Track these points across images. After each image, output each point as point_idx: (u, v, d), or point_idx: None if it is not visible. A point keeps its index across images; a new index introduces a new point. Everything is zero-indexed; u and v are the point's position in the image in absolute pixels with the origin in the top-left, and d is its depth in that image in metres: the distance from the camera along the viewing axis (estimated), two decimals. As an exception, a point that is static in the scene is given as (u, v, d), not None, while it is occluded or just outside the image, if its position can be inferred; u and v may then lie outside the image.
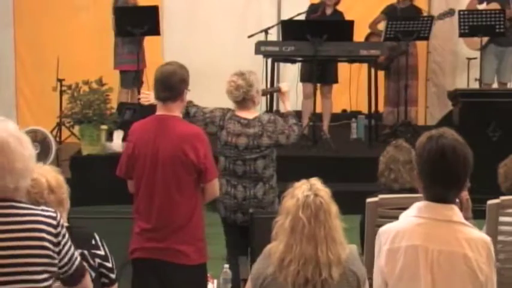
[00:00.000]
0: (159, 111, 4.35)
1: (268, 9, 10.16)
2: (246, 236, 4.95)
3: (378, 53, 8.29)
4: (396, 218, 2.99)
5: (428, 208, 2.87)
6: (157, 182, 4.22)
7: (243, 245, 4.99)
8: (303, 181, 3.26)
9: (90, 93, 7.73)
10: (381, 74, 8.93)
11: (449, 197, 2.88)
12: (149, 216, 4.26)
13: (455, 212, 2.87)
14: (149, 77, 7.84)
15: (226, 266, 4.40)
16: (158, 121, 4.31)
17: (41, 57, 9.88)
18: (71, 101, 7.79)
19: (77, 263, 2.84)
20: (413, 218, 2.90)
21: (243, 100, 5.05)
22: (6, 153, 2.63)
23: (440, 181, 2.84)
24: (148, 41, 8.98)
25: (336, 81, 8.72)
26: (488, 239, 2.89)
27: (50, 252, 2.69)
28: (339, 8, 8.70)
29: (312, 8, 8.79)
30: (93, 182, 7.49)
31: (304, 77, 8.52)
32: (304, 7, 8.93)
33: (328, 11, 8.63)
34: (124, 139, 7.76)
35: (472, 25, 8.38)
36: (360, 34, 8.72)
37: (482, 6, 8.81)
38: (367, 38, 9.05)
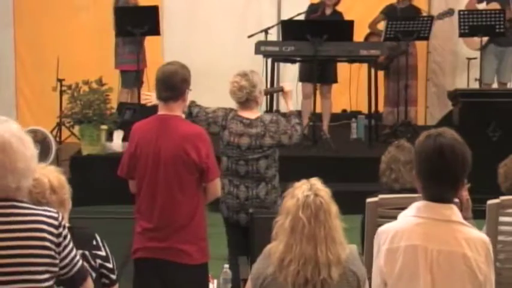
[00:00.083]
0: (161, 111, 4.35)
1: (268, 9, 10.16)
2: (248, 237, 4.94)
3: (377, 53, 8.27)
4: (396, 218, 2.99)
5: (427, 208, 2.88)
6: (159, 181, 4.22)
7: (245, 246, 4.97)
8: (303, 181, 3.26)
9: (90, 93, 7.72)
10: (381, 74, 8.93)
11: (448, 196, 2.88)
12: (151, 216, 4.26)
13: (454, 212, 2.88)
14: (150, 77, 7.85)
15: (226, 266, 4.40)
16: (160, 121, 4.31)
17: (41, 57, 9.88)
18: (71, 101, 7.79)
19: (78, 265, 2.83)
20: (412, 217, 2.90)
21: (246, 101, 5.04)
22: (8, 153, 2.64)
23: (438, 180, 2.84)
24: (149, 41, 8.97)
25: (336, 81, 8.71)
26: (487, 238, 2.90)
27: (52, 253, 2.69)
28: (339, 8, 8.69)
29: (312, 8, 8.79)
30: (93, 182, 7.48)
31: (304, 77, 8.50)
32: (304, 7, 8.93)
33: (328, 11, 8.62)
34: (124, 139, 7.77)
35: (472, 25, 8.38)
36: (359, 34, 8.72)
37: (482, 5, 8.81)
38: (367, 38, 9.05)
